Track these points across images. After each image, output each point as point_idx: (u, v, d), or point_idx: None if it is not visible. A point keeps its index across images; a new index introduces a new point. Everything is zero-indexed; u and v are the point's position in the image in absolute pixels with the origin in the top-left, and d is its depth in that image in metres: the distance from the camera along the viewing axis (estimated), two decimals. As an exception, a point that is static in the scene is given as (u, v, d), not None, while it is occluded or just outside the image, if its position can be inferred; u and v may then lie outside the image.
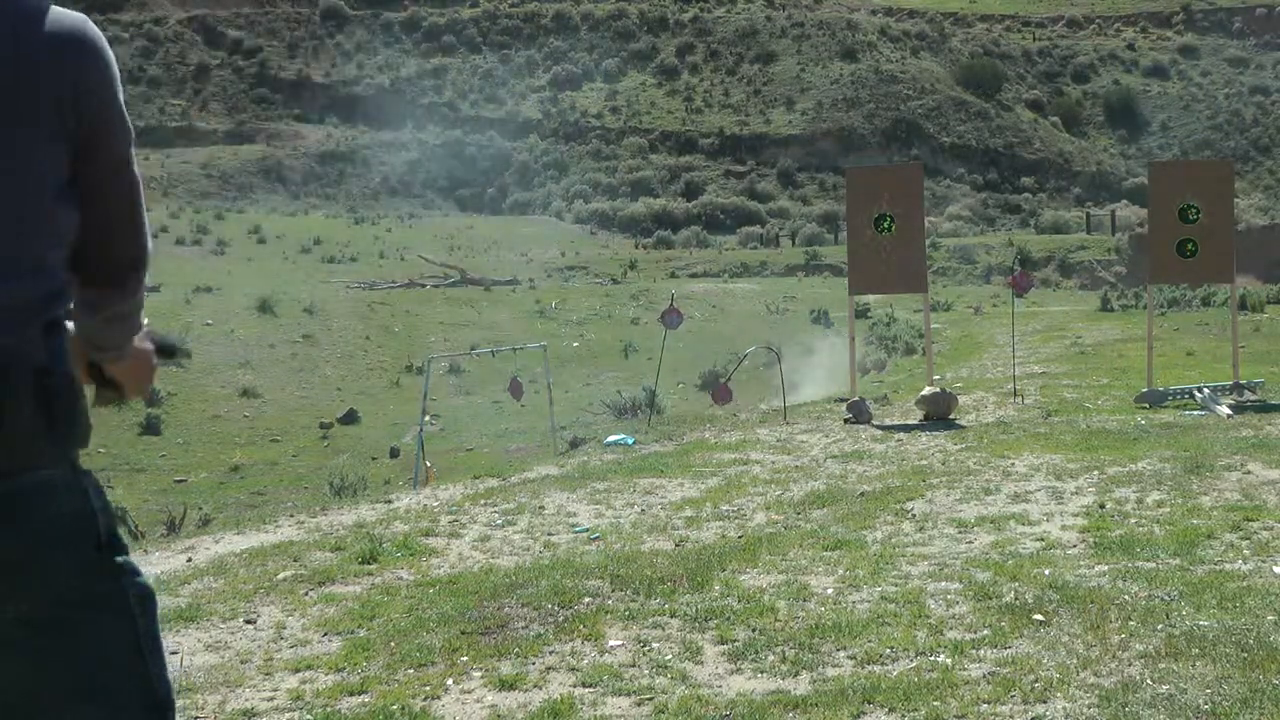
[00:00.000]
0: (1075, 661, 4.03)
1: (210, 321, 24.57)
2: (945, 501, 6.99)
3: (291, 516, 7.81)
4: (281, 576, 5.81)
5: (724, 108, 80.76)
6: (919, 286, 12.14)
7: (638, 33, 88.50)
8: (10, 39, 1.75)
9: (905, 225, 11.73)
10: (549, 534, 6.63)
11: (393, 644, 4.61)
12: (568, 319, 28.66)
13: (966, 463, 8.32)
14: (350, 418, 18.14)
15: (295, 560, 6.17)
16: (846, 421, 10.94)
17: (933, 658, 4.18)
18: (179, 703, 4.04)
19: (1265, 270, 34.52)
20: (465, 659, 4.41)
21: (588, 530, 6.67)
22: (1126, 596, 4.77)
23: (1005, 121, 78.99)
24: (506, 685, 4.13)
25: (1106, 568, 5.26)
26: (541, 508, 7.37)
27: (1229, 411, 10.08)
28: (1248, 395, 11.09)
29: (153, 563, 6.31)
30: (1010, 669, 4.00)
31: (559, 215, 69.10)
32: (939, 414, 10.82)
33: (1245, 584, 4.86)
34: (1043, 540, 5.87)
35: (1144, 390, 11.47)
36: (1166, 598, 4.71)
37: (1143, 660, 4.01)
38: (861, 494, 7.34)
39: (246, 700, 4.13)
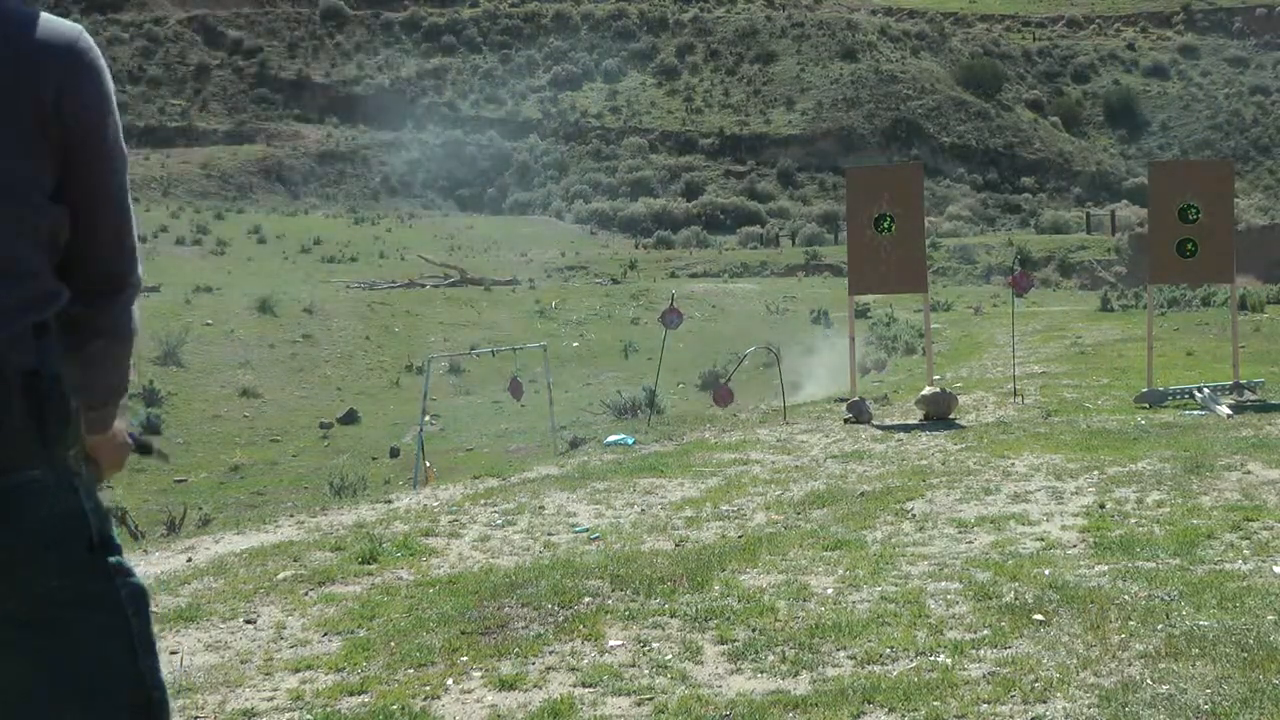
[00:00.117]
0: (1075, 661, 4.03)
1: (210, 321, 24.57)
2: (945, 501, 6.98)
3: (291, 516, 7.81)
4: (281, 576, 5.81)
5: (724, 108, 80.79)
6: (919, 286, 12.14)
7: (638, 33, 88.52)
8: (0, 42, 1.76)
9: (905, 225, 11.72)
10: (549, 534, 6.63)
11: (393, 644, 4.61)
12: (568, 319, 28.67)
13: (966, 463, 8.32)
14: (350, 418, 18.14)
15: (295, 560, 6.17)
16: (846, 421, 10.94)
17: (933, 658, 4.18)
18: (179, 703, 4.05)
19: (1265, 270, 34.52)
20: (465, 659, 4.41)
21: (588, 530, 6.67)
22: (1126, 596, 4.76)
23: (1005, 121, 79.02)
24: (506, 685, 4.13)
25: (1106, 568, 5.26)
26: (541, 508, 7.37)
27: (1229, 411, 10.08)
28: (1248, 395, 11.09)
29: (153, 563, 6.31)
30: (1010, 669, 4.00)
31: (559, 215, 69.13)
32: (939, 414, 10.82)
33: (1245, 584, 4.86)
34: (1043, 540, 5.87)
35: (1144, 390, 11.47)
36: (1166, 598, 4.71)
37: (1143, 660, 4.01)
38: (861, 494, 7.34)
39: (246, 700, 4.13)
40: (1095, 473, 7.60)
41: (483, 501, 7.74)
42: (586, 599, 5.12)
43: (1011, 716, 3.63)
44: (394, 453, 15.55)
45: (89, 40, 1.86)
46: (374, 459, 15.30)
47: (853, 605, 4.88)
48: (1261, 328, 19.77)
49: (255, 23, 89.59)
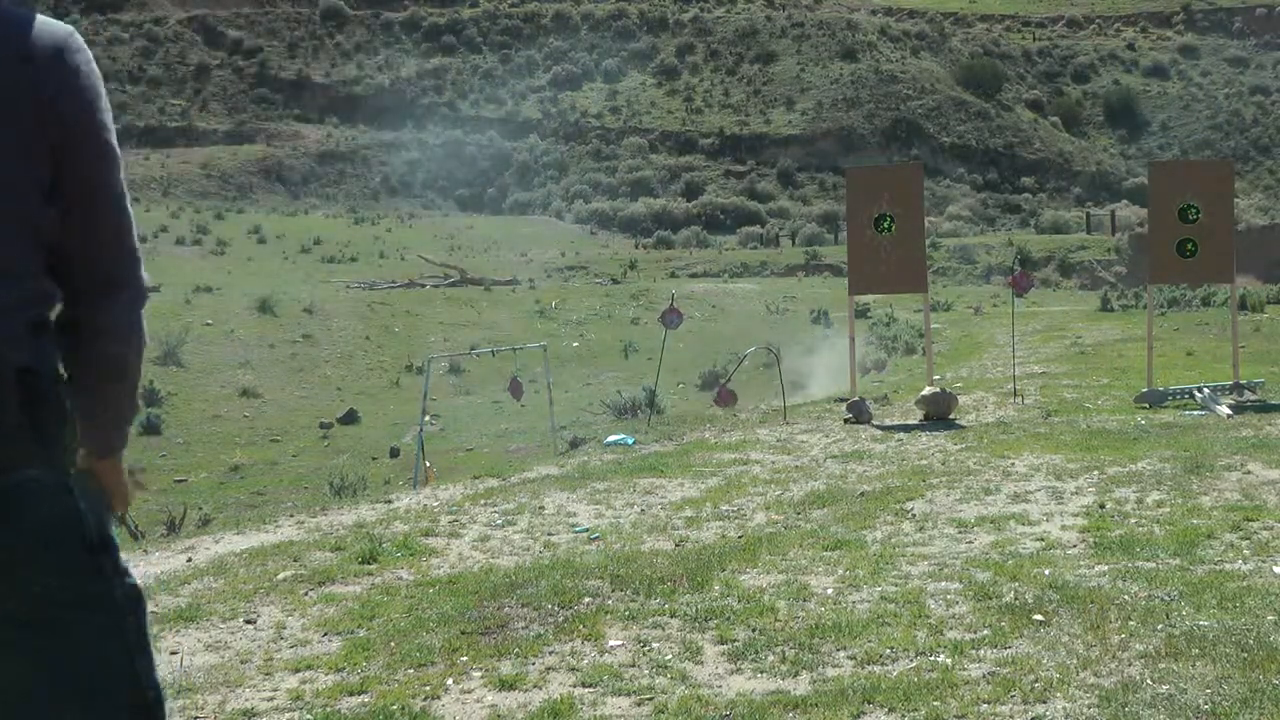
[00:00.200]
0: (1075, 661, 4.03)
1: (210, 321, 24.57)
2: (945, 501, 6.98)
3: (291, 516, 7.81)
4: (281, 576, 5.81)
5: (724, 108, 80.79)
6: (919, 286, 12.14)
7: (638, 33, 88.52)
8: None
9: (905, 225, 11.72)
10: (549, 534, 6.63)
11: (393, 644, 4.61)
12: (568, 319, 28.67)
13: (966, 463, 8.32)
14: (350, 418, 18.14)
15: (295, 560, 6.17)
16: (846, 421, 10.94)
17: (933, 658, 4.18)
18: (179, 703, 4.06)
19: (1265, 270, 34.52)
20: (465, 659, 4.41)
21: (588, 530, 6.67)
22: (1126, 596, 4.76)
23: (1005, 121, 79.01)
24: (506, 685, 4.13)
25: (1106, 568, 5.26)
26: (541, 508, 7.37)
27: (1229, 411, 10.08)
28: (1248, 395, 11.09)
29: (153, 563, 6.31)
30: (1010, 669, 4.00)
31: (559, 215, 69.12)
32: (939, 414, 10.82)
33: (1245, 584, 4.86)
34: (1043, 540, 5.87)
35: (1144, 390, 11.47)
36: (1166, 598, 4.71)
37: (1143, 660, 4.01)
38: (861, 494, 7.34)
39: (246, 700, 4.13)
40: (1095, 473, 7.61)
41: (483, 501, 7.74)
42: (586, 599, 5.12)
43: (1011, 716, 3.63)
44: (394, 453, 15.55)
45: (80, 41, 1.86)
46: (374, 459, 15.29)
47: (853, 605, 4.88)
48: (1261, 328, 19.76)
49: (255, 23, 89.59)
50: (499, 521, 7.00)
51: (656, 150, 77.11)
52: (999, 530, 6.16)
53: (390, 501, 8.22)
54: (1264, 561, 5.24)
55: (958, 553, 5.71)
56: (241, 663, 4.54)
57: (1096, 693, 3.74)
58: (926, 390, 11.20)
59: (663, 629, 4.69)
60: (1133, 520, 6.21)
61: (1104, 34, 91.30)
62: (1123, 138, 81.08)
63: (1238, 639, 4.13)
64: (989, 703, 3.72)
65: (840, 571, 5.43)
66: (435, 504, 7.79)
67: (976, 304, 31.01)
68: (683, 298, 21.07)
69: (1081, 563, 5.38)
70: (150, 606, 1.96)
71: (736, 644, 4.44)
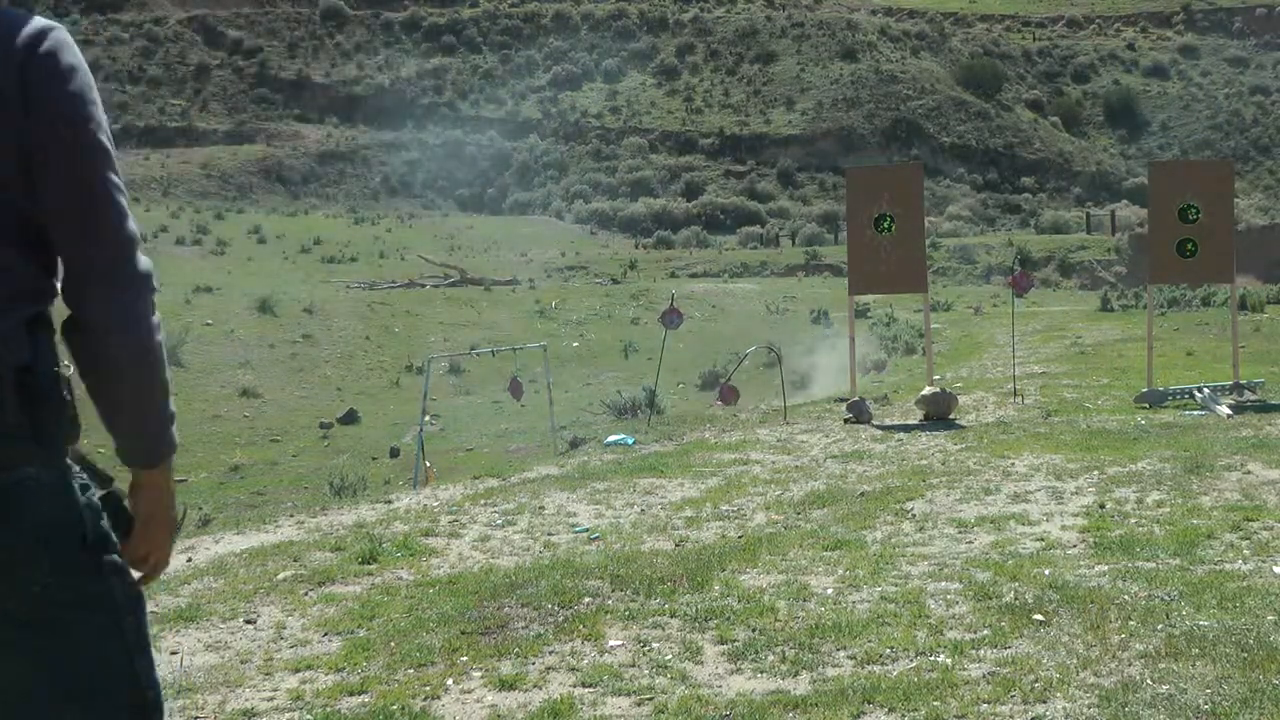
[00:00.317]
0: (1075, 661, 4.03)
1: (210, 321, 24.57)
2: (945, 501, 6.98)
3: (291, 516, 7.81)
4: (281, 576, 5.81)
5: (724, 108, 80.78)
6: (919, 286, 12.14)
7: (638, 33, 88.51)
8: None
9: (905, 225, 11.72)
10: (549, 534, 6.63)
11: (393, 644, 4.61)
12: (568, 319, 28.67)
13: (966, 463, 8.32)
14: (350, 418, 18.14)
15: (295, 560, 6.17)
16: (846, 421, 10.94)
17: (933, 658, 4.18)
18: (179, 703, 4.06)
19: (1265, 270, 34.52)
20: (465, 659, 4.41)
21: (588, 530, 6.67)
22: (1126, 596, 4.76)
23: (1005, 121, 79.01)
24: (506, 685, 4.13)
25: (1106, 568, 5.26)
26: (541, 508, 7.37)
27: (1229, 411, 10.08)
28: (1248, 395, 11.09)
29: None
30: (1010, 669, 4.00)
31: (559, 215, 69.12)
32: (939, 414, 10.82)
33: (1245, 584, 4.86)
34: (1043, 540, 5.87)
35: (1144, 390, 11.47)
36: (1166, 598, 4.71)
37: (1143, 660, 4.01)
38: (861, 494, 7.34)
39: (246, 700, 4.13)
40: (1095, 473, 7.60)
41: (483, 501, 7.74)
42: (586, 599, 5.12)
43: (1011, 716, 3.63)
44: (394, 453, 15.55)
45: (62, 36, 1.84)
46: (374, 459, 15.29)
47: (853, 605, 4.88)
48: (1261, 328, 19.77)
49: (255, 23, 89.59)
50: (499, 521, 7.00)
51: (656, 150, 77.11)
52: (999, 530, 6.16)
53: (390, 501, 8.22)
54: (1264, 561, 5.24)
55: (958, 553, 5.71)
56: (241, 663, 4.54)
57: (1096, 693, 3.74)
58: (926, 390, 11.20)
59: (663, 629, 4.69)
60: (1133, 520, 6.21)
61: (1104, 34, 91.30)
62: (1123, 138, 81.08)
63: (1238, 639, 4.13)
64: (989, 703, 3.72)
65: (840, 571, 5.43)
66: (435, 504, 7.79)
67: (976, 304, 31.01)
68: (683, 298, 21.06)
69: (1081, 563, 5.38)
70: (150, 606, 1.95)
71: (736, 644, 4.44)
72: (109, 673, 1.82)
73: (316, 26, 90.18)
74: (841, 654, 4.28)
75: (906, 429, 10.37)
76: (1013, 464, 8.14)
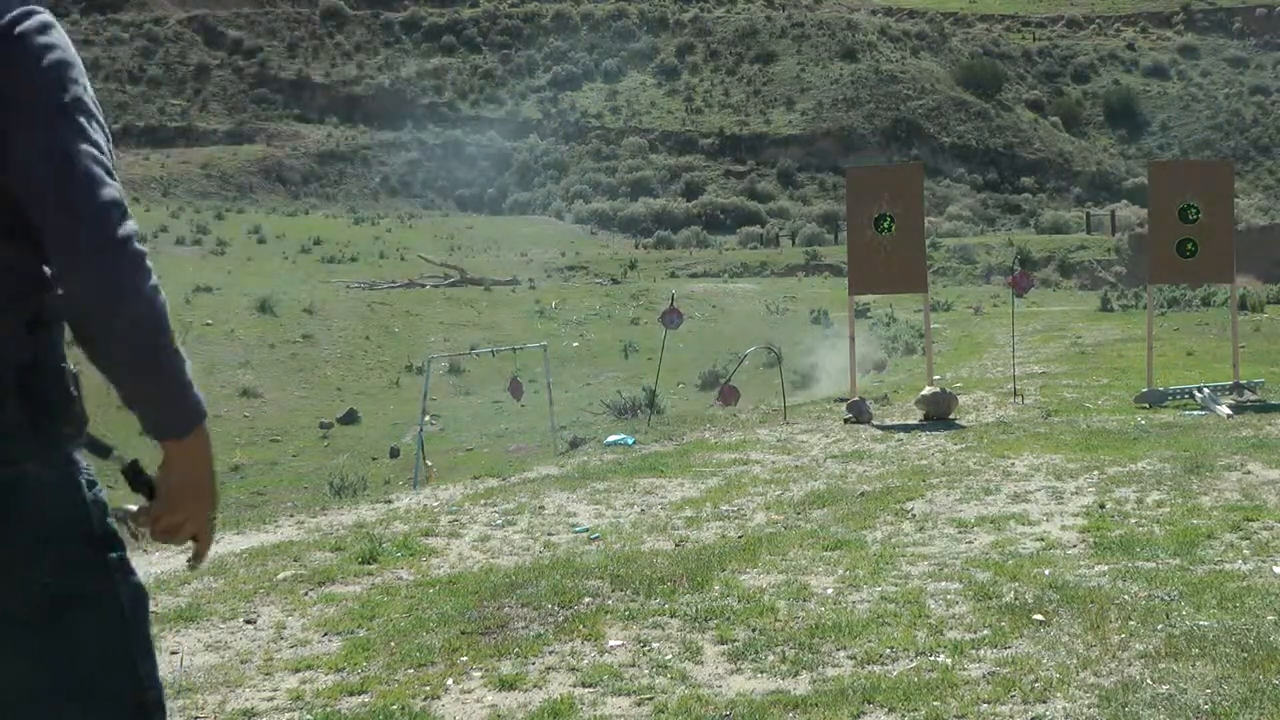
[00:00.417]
0: (1075, 661, 4.03)
1: (210, 321, 24.56)
2: (945, 501, 6.99)
3: (291, 516, 7.81)
4: (281, 576, 5.81)
5: (724, 108, 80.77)
6: (919, 286, 12.14)
7: (638, 33, 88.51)
8: None
9: (905, 225, 11.72)
10: (549, 534, 6.63)
11: (393, 644, 4.61)
12: (568, 319, 28.67)
13: (966, 463, 8.32)
14: (350, 418, 18.14)
15: (295, 560, 6.17)
16: (846, 421, 10.94)
17: (933, 658, 4.18)
18: (179, 703, 4.06)
19: (1265, 270, 34.53)
20: (465, 659, 4.41)
21: (588, 530, 6.67)
22: (1126, 596, 4.76)
23: (1005, 121, 79.01)
24: (506, 685, 4.13)
25: (1106, 568, 5.26)
26: (541, 508, 7.37)
27: (1229, 411, 10.08)
28: (1248, 395, 11.09)
29: (153, 563, 6.30)
30: (1010, 669, 4.00)
31: (559, 215, 69.11)
32: (939, 414, 10.82)
33: (1245, 584, 4.86)
34: (1043, 540, 5.87)
35: (1144, 390, 11.47)
36: (1166, 598, 4.71)
37: (1143, 660, 4.01)
38: (861, 494, 7.34)
39: (246, 700, 4.13)
40: (1095, 473, 7.61)
41: (483, 501, 7.74)
42: (586, 599, 5.12)
43: (1011, 716, 3.63)
44: (394, 453, 15.55)
45: (45, 18, 1.77)
46: (374, 459, 15.29)
47: (853, 605, 4.88)
48: (1261, 328, 19.77)
49: (255, 23, 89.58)
50: (499, 521, 7.00)
51: (656, 150, 77.10)
52: (999, 530, 6.16)
53: (390, 501, 8.22)
54: (1264, 561, 5.24)
55: (958, 553, 5.71)
56: (241, 663, 4.54)
57: (1096, 693, 3.74)
58: (926, 390, 11.20)
59: (663, 629, 4.69)
60: (1133, 520, 6.21)
61: (1104, 34, 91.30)
62: (1123, 138, 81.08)
63: (1238, 639, 4.13)
64: (989, 703, 3.72)
65: (840, 571, 5.43)
66: (435, 504, 7.79)
67: (976, 304, 31.01)
68: (683, 298, 21.06)
69: (1081, 563, 5.38)
70: (150, 606, 1.95)
71: (736, 644, 4.44)
72: (112, 672, 1.82)
73: (316, 26, 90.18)
74: (841, 654, 4.28)
75: (906, 429, 10.37)
76: (1013, 464, 8.14)
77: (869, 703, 3.77)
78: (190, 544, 1.90)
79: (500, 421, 17.37)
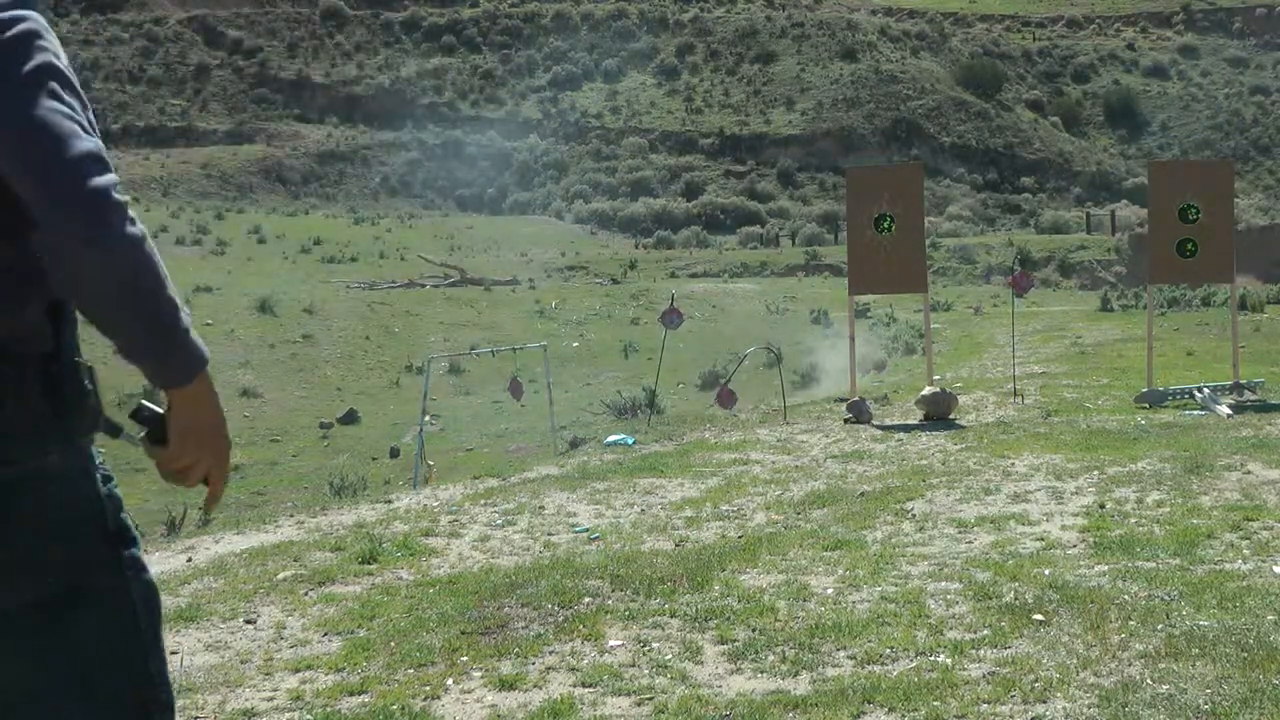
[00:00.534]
0: (1075, 661, 4.03)
1: (210, 321, 24.56)
2: (945, 501, 6.98)
3: (291, 516, 7.81)
4: (281, 576, 5.81)
5: (724, 108, 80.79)
6: (919, 286, 12.13)
7: (638, 33, 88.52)
8: None
9: (905, 225, 11.72)
10: (549, 534, 6.63)
11: (393, 644, 4.61)
12: (568, 319, 28.67)
13: (966, 463, 8.32)
14: (350, 418, 18.14)
15: (295, 560, 6.17)
16: (846, 421, 10.94)
17: (933, 658, 4.18)
18: (179, 703, 4.05)
19: (1265, 270, 34.54)
20: (465, 659, 4.41)
21: (588, 530, 6.67)
22: (1126, 596, 4.76)
23: (1005, 121, 79.02)
24: (506, 685, 4.13)
25: (1106, 568, 5.26)
26: (541, 508, 7.37)
27: (1229, 411, 10.08)
28: (1248, 395, 11.09)
29: (153, 562, 6.28)
30: (1010, 669, 4.00)
31: (559, 215, 69.12)
32: (939, 414, 10.81)
33: (1245, 584, 4.86)
34: (1043, 540, 5.87)
35: (1144, 390, 11.47)
36: (1166, 598, 4.71)
37: (1143, 660, 4.01)
38: (861, 494, 7.34)
39: (246, 700, 4.13)
40: (1095, 473, 7.60)
41: (483, 501, 7.74)
42: (586, 599, 5.12)
43: (1011, 716, 3.62)
44: (394, 453, 15.56)
45: (32, 14, 1.73)
46: (374, 459, 15.29)
47: (853, 605, 4.88)
48: (1261, 328, 19.77)
49: (255, 23, 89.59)
50: (499, 521, 7.00)
51: (656, 150, 77.12)
52: (999, 530, 6.16)
53: (390, 501, 8.22)
54: (1264, 561, 5.24)
55: (958, 553, 5.71)
56: (241, 663, 4.54)
57: (1096, 693, 3.74)
58: (926, 390, 11.19)
59: (663, 629, 4.69)
60: (1133, 520, 6.21)
61: (1104, 34, 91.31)
62: (1123, 138, 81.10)
63: (1238, 639, 4.13)
64: (989, 703, 3.72)
65: (840, 571, 5.43)
66: (435, 504, 7.79)
67: (976, 304, 31.01)
68: (683, 298, 21.06)
69: (1081, 563, 5.38)
70: (161, 605, 1.94)
71: (736, 644, 4.44)
72: (114, 671, 1.80)
73: (316, 26, 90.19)
74: (841, 654, 4.28)
75: (906, 429, 10.37)
76: (1013, 464, 8.14)
77: (869, 703, 3.77)
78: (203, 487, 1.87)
79: (500, 421, 17.37)
